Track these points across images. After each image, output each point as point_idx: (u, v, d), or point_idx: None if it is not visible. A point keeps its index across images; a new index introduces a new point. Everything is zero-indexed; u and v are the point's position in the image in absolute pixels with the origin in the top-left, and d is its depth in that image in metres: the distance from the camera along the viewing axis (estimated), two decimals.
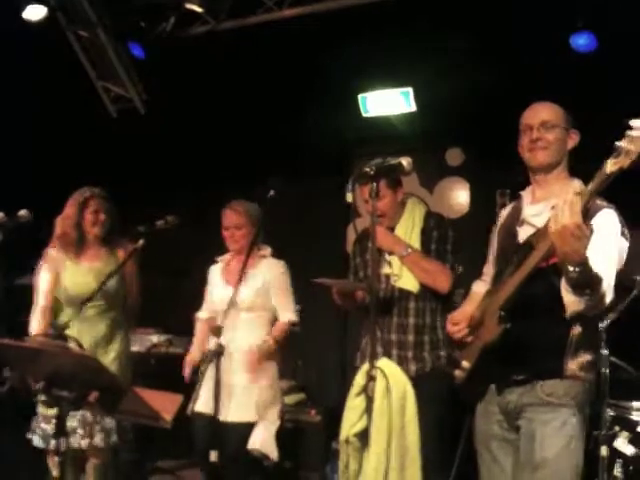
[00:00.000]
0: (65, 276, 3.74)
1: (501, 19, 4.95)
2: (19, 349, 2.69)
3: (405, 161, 2.69)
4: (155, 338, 5.44)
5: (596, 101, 4.64)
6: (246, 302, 3.78)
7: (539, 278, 2.36)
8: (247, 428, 3.75)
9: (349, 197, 2.74)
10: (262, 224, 3.81)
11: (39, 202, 3.70)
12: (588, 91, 4.67)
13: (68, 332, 3.44)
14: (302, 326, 4.14)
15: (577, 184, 2.54)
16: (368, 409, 2.61)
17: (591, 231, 2.20)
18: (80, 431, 3.53)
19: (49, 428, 3.51)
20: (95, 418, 3.55)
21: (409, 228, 3.53)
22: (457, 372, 2.57)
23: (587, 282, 2.25)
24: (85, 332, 3.62)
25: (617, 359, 3.56)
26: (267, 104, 5.87)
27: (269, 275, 3.84)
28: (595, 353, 2.50)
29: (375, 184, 2.69)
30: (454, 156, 6.13)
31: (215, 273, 4.02)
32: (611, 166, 2.09)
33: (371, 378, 2.59)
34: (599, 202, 2.42)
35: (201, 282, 4.07)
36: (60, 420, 2.67)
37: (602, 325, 3.30)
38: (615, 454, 3.42)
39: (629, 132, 2.06)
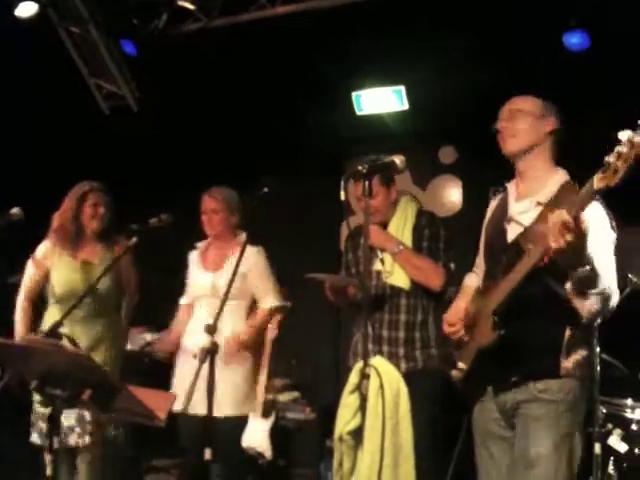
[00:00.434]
0: (54, 273, 3.73)
1: (495, 18, 4.96)
2: (11, 348, 2.68)
3: (398, 159, 2.70)
4: (149, 337, 5.42)
5: (592, 100, 4.67)
6: (223, 289, 3.77)
7: (533, 279, 2.35)
8: (235, 421, 3.76)
9: (342, 195, 2.74)
10: (241, 211, 3.85)
11: (34, 201, 3.70)
12: (583, 90, 4.69)
13: (62, 330, 3.43)
14: (296, 324, 4.15)
15: (561, 174, 2.55)
16: (362, 407, 2.62)
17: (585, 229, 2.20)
18: (77, 430, 3.53)
19: (45, 427, 3.50)
20: (93, 416, 3.54)
21: (401, 225, 3.54)
22: (454, 372, 2.56)
23: (591, 283, 2.27)
24: (79, 333, 3.58)
25: (609, 357, 3.57)
26: (260, 102, 5.86)
27: (247, 261, 3.80)
28: (589, 350, 2.51)
29: (368, 182, 2.70)
30: (447, 154, 6.14)
31: (193, 259, 4.02)
32: (598, 182, 2.09)
33: (365, 376, 2.59)
34: None
35: None
36: (54, 419, 2.66)
37: (594, 323, 3.31)
38: (609, 452, 3.43)
39: (618, 148, 2.04)
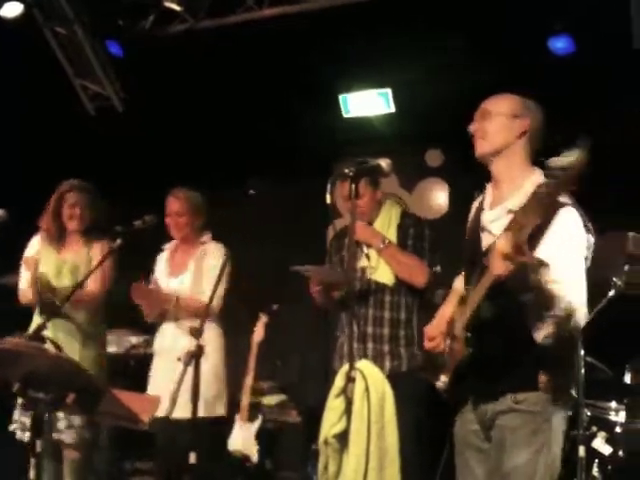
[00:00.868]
0: (51, 269, 3.76)
1: (482, 21, 4.98)
2: None
3: (384, 163, 2.70)
4: (134, 339, 5.40)
5: (585, 101, 4.72)
6: (192, 291, 3.80)
7: (503, 292, 2.23)
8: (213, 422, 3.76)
9: (328, 198, 2.74)
10: (206, 213, 3.87)
11: (23, 201, 3.71)
12: (565, 93, 4.72)
13: (45, 333, 3.41)
14: (282, 325, 4.14)
15: (537, 175, 2.41)
16: (347, 411, 2.61)
17: (538, 262, 2.10)
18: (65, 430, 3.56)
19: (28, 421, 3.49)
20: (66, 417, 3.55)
21: (385, 225, 3.58)
22: (438, 384, 2.53)
23: (547, 304, 2.16)
24: (59, 327, 3.62)
25: (594, 360, 3.58)
26: (247, 103, 5.85)
27: (206, 259, 3.82)
28: (569, 359, 2.43)
29: (355, 185, 2.70)
30: (434, 157, 6.15)
31: (161, 262, 4.01)
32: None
33: (350, 379, 2.59)
34: (559, 198, 2.26)
35: None
36: (36, 422, 2.64)
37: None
38: (593, 454, 3.44)
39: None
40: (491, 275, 2.18)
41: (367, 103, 5.96)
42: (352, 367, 2.59)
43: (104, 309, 3.90)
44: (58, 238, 3.81)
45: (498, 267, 2.08)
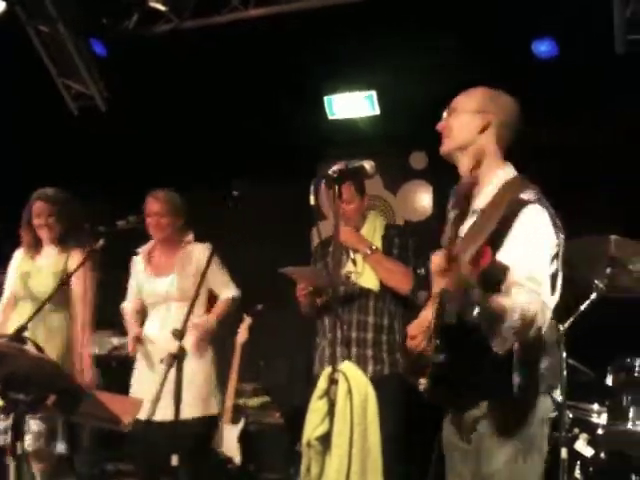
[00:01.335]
0: (20, 276, 3.83)
1: (468, 24, 5.00)
2: None
3: (368, 165, 2.70)
4: (115, 340, 5.38)
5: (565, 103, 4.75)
6: (182, 291, 3.76)
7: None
8: (198, 422, 3.74)
9: (312, 199, 2.73)
10: (185, 213, 3.87)
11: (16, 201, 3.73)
12: (556, 94, 4.76)
13: (27, 334, 3.38)
14: (269, 327, 4.12)
15: (506, 171, 2.33)
16: (330, 413, 2.60)
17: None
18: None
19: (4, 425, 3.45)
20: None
21: (370, 235, 3.62)
22: (420, 387, 2.49)
23: (492, 321, 2.03)
24: (40, 328, 3.63)
25: (576, 362, 3.60)
26: (231, 104, 5.83)
27: (199, 259, 3.80)
28: (546, 362, 2.28)
29: (338, 187, 2.69)
30: (418, 160, 6.17)
31: (138, 266, 3.98)
32: None
33: (333, 381, 2.58)
34: (523, 195, 2.19)
35: None
36: (17, 424, 2.62)
37: (562, 328, 3.34)
38: (575, 456, 3.45)
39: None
40: (434, 292, 2.12)
41: (352, 105, 5.97)
42: (335, 369, 2.59)
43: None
44: (35, 247, 3.85)
45: (438, 283, 2.01)
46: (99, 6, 5.96)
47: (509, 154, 2.43)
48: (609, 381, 3.61)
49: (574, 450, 3.45)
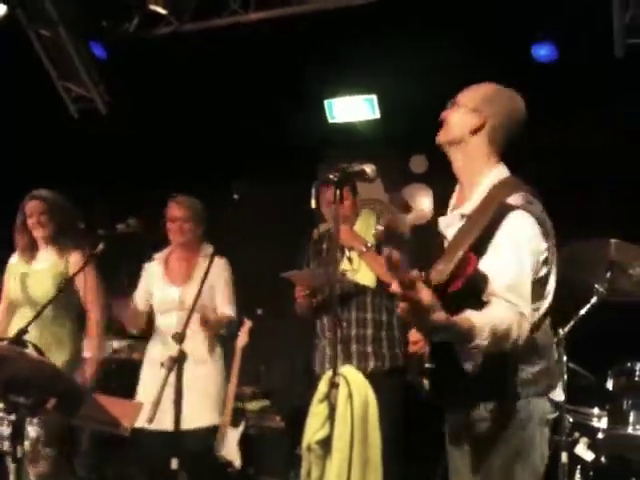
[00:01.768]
0: (16, 282, 3.78)
1: (468, 28, 5.00)
2: None
3: (369, 168, 2.70)
4: (115, 344, 5.37)
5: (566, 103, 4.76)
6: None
7: (454, 303, 2.01)
8: (206, 432, 3.77)
9: (313, 203, 2.74)
10: (206, 222, 3.88)
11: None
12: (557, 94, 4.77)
13: (27, 337, 3.38)
14: (269, 330, 4.12)
15: (496, 173, 2.28)
16: (330, 417, 2.60)
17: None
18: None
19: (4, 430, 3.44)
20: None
21: (363, 230, 3.66)
22: (425, 387, 2.49)
23: (459, 340, 1.98)
24: (40, 332, 3.57)
25: (576, 366, 3.60)
26: (231, 107, 5.84)
27: (215, 273, 3.78)
28: (539, 364, 2.25)
29: (339, 190, 2.70)
30: (418, 163, 6.17)
31: (154, 271, 3.95)
32: None
33: (334, 385, 2.58)
34: (510, 200, 2.14)
35: None
36: (17, 427, 2.62)
37: (562, 332, 3.34)
38: (575, 460, 3.45)
39: None
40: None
41: (352, 109, 5.98)
42: (335, 373, 2.59)
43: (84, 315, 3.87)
44: (30, 251, 3.81)
45: (400, 309, 1.87)
46: (99, 9, 5.96)
47: (509, 154, 2.37)
48: (609, 385, 3.61)
49: (574, 454, 3.45)
